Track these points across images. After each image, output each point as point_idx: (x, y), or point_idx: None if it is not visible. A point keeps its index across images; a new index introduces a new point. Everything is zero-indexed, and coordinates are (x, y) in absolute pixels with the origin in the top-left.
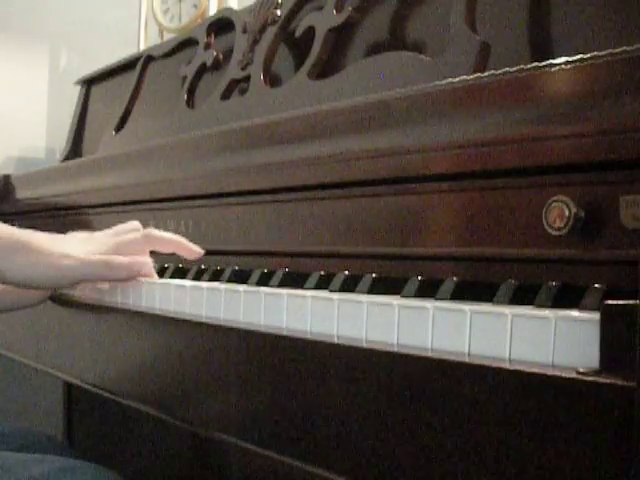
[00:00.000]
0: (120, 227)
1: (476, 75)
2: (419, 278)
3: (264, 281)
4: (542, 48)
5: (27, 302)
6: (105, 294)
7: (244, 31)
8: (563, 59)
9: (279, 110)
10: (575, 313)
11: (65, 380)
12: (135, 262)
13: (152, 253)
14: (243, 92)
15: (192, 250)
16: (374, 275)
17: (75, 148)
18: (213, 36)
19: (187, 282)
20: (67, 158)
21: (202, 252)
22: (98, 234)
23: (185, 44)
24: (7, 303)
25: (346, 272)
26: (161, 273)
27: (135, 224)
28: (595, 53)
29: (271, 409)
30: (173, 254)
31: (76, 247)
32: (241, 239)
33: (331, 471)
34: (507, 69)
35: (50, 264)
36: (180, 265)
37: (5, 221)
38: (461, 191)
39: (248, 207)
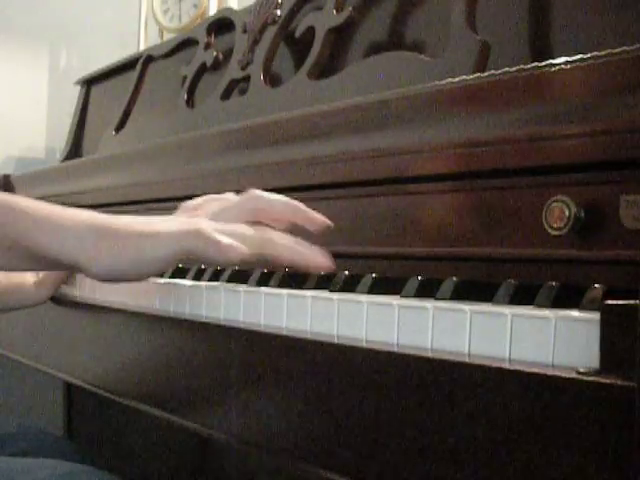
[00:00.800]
0: (208, 197)
1: (476, 75)
2: (419, 278)
3: (264, 281)
4: (542, 48)
5: (30, 301)
6: (106, 293)
7: (244, 31)
8: (563, 59)
9: (279, 110)
10: (575, 313)
11: (65, 380)
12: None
13: None
14: (243, 92)
15: (315, 219)
16: (374, 275)
17: (75, 148)
18: (213, 36)
19: (187, 282)
20: (67, 158)
21: (329, 223)
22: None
23: (185, 44)
24: (9, 302)
25: (346, 272)
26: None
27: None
28: (595, 53)
29: (271, 409)
30: None
31: (168, 223)
32: None
33: (331, 471)
34: (507, 69)
35: (139, 248)
36: (180, 265)
37: None
38: (461, 191)
39: None
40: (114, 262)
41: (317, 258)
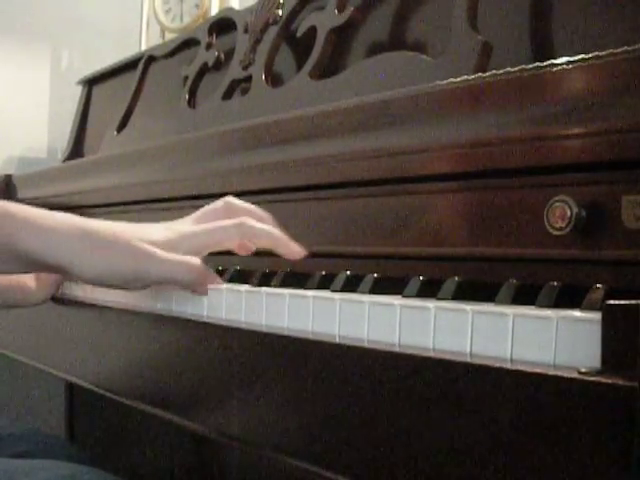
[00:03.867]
0: (208, 209)
1: (477, 75)
2: (421, 278)
3: (265, 281)
4: (544, 48)
5: (30, 301)
6: (108, 293)
7: (246, 31)
8: (565, 59)
9: (281, 110)
10: (577, 313)
11: (67, 380)
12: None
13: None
14: (244, 92)
15: (291, 249)
16: (375, 275)
17: (77, 148)
18: (215, 36)
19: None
20: (69, 158)
21: (304, 252)
22: (181, 223)
23: (187, 44)
24: (9, 301)
25: (347, 272)
26: None
27: (226, 202)
28: (597, 53)
29: (272, 409)
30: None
31: (159, 234)
32: None
33: (332, 471)
34: (508, 69)
35: (137, 264)
36: None
37: None
38: (462, 191)
39: None
40: (106, 269)
41: (291, 244)
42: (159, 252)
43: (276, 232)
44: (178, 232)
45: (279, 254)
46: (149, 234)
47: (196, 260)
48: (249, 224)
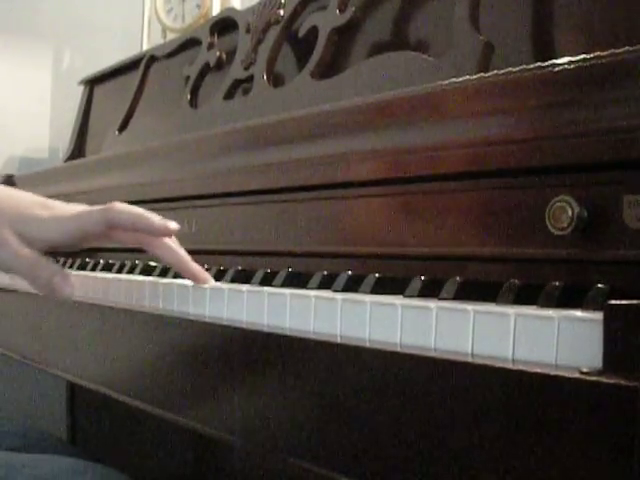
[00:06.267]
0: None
1: (479, 75)
2: (422, 278)
3: (267, 281)
4: (545, 48)
5: None
6: (109, 292)
7: (247, 31)
8: (566, 59)
9: (282, 110)
10: (578, 313)
11: (68, 380)
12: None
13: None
14: (246, 92)
15: (161, 230)
16: (377, 275)
17: (78, 148)
18: (216, 36)
19: (189, 281)
20: (70, 158)
21: (172, 227)
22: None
23: (188, 44)
24: None
25: (349, 272)
26: (164, 272)
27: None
28: (598, 53)
29: (273, 408)
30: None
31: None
32: (244, 239)
33: (333, 471)
34: (510, 69)
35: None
36: None
37: None
38: (464, 191)
39: (251, 207)
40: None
41: (161, 225)
42: (13, 243)
43: (146, 215)
44: (51, 215)
45: (149, 250)
46: (25, 217)
47: (36, 260)
48: (117, 209)
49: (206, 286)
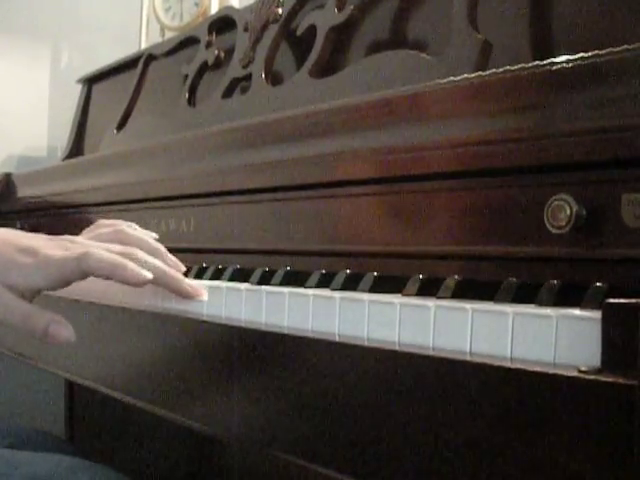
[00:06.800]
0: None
1: (477, 73)
2: (420, 276)
3: (265, 280)
4: (543, 46)
5: None
6: (107, 290)
7: (245, 29)
8: (564, 57)
9: (280, 108)
10: (577, 312)
11: (67, 378)
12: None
13: None
14: (244, 91)
15: (137, 279)
16: (375, 273)
17: (77, 147)
18: (214, 34)
19: (190, 281)
20: (69, 157)
21: (148, 277)
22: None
23: (186, 43)
24: None
25: (347, 270)
26: None
27: (117, 231)
28: (596, 52)
29: (273, 407)
30: None
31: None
32: (243, 237)
33: (333, 469)
34: (508, 67)
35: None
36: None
37: (6, 220)
38: (462, 189)
39: (249, 206)
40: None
41: (129, 266)
42: (2, 296)
43: (122, 266)
44: (34, 262)
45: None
46: (10, 266)
47: (24, 307)
48: (94, 257)
49: (206, 284)
